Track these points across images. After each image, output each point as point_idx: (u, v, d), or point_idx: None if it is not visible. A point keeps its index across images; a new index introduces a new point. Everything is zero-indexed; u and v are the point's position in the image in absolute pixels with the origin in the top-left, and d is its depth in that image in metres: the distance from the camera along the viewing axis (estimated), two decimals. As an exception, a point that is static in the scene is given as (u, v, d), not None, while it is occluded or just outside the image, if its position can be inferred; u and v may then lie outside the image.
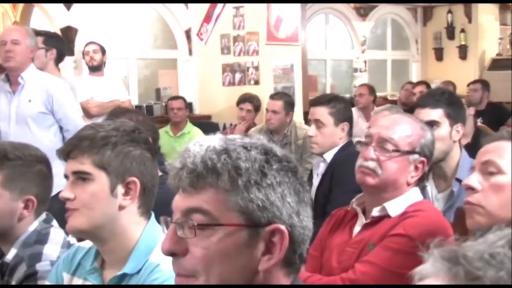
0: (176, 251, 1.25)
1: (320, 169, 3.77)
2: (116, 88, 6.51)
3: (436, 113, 3.00)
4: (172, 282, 1.65)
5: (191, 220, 1.23)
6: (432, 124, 2.89)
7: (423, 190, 2.58)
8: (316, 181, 3.77)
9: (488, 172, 1.97)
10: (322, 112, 3.76)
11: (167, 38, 8.11)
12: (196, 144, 1.27)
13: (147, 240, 1.81)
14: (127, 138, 1.83)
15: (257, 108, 6.54)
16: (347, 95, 9.63)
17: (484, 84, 7.94)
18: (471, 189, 1.99)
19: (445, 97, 3.07)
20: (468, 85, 7.98)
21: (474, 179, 1.98)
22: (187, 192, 1.25)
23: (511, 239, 0.75)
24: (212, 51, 7.60)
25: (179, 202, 1.27)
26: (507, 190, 1.92)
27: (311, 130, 3.77)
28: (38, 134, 4.23)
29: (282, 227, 1.23)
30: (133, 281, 1.77)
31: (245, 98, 6.55)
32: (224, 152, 1.23)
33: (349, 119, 3.83)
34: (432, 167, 3.03)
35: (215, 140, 1.27)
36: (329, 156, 3.70)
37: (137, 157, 1.83)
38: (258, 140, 1.31)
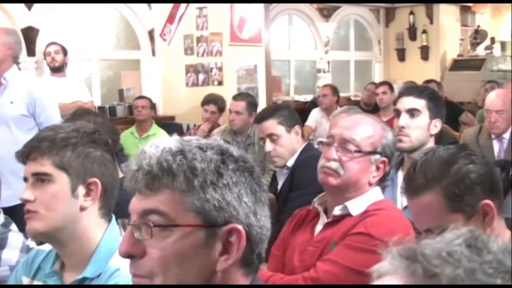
0: (133, 253, 1.25)
1: (282, 176, 3.77)
2: (78, 89, 6.45)
3: (419, 103, 3.08)
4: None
5: (148, 222, 1.23)
6: (413, 112, 3.05)
7: (385, 190, 2.60)
8: (279, 186, 3.77)
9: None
10: (271, 125, 3.68)
11: (130, 38, 8.05)
12: (152, 146, 1.27)
13: (107, 244, 1.80)
14: (88, 140, 1.82)
15: (221, 109, 6.53)
16: (311, 96, 9.70)
17: (438, 83, 8.09)
18: None
19: (429, 92, 3.20)
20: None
21: None
22: (144, 194, 1.25)
23: (468, 238, 0.76)
24: (176, 51, 7.56)
25: (136, 204, 1.26)
26: None
27: (268, 146, 3.68)
28: (19, 136, 4.09)
29: (239, 226, 1.24)
30: (93, 285, 1.75)
31: (210, 99, 6.54)
32: (179, 153, 1.24)
33: (298, 121, 3.79)
34: (404, 160, 3.08)
35: (171, 142, 1.27)
36: (290, 162, 3.70)
37: (98, 158, 1.82)
38: (214, 141, 1.31)
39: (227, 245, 1.25)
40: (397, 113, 3.11)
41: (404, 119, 3.05)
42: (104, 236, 1.82)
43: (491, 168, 1.91)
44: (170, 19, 7.50)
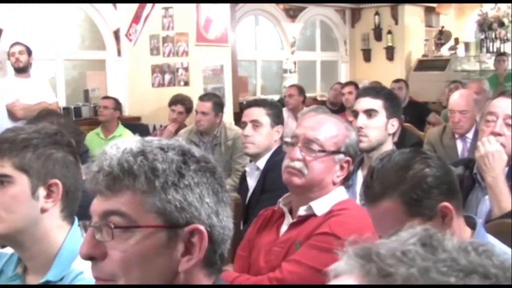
0: (94, 255, 1.24)
1: (254, 177, 3.77)
2: (43, 90, 6.38)
3: (376, 103, 3.12)
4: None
5: (109, 223, 1.22)
6: (370, 112, 3.09)
7: (349, 189, 2.62)
8: (251, 188, 3.76)
9: None
10: (259, 113, 3.76)
11: (95, 38, 7.99)
12: (113, 146, 1.25)
13: (70, 246, 1.77)
14: (49, 141, 1.80)
15: (188, 109, 6.51)
16: (277, 96, 9.71)
17: (405, 82, 8.16)
18: None
19: (386, 92, 3.26)
20: (391, 84, 8.14)
21: None
22: (104, 195, 1.24)
23: (423, 237, 0.76)
24: (141, 52, 7.53)
25: (97, 205, 1.25)
26: None
27: (248, 130, 3.74)
28: None
29: (201, 227, 1.23)
30: (56, 289, 1.74)
31: (177, 100, 6.51)
32: (140, 154, 1.23)
33: (283, 124, 3.86)
34: (363, 159, 3.11)
35: (132, 142, 1.26)
36: (262, 163, 3.71)
37: (60, 159, 1.80)
38: (175, 141, 1.30)
39: (189, 246, 1.24)
40: (355, 114, 3.15)
41: (362, 119, 3.09)
42: (66, 239, 1.80)
43: (447, 169, 1.93)
44: (136, 19, 7.46)
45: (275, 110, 3.83)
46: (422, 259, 0.72)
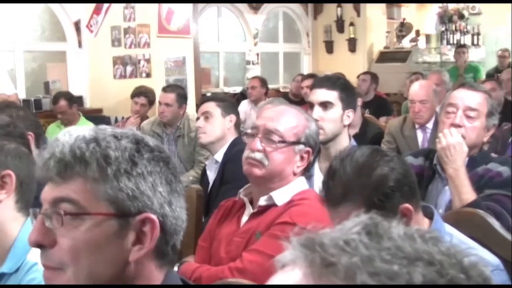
0: (43, 243, 1.22)
1: (213, 170, 3.78)
2: (1, 82, 6.27)
3: (332, 95, 3.10)
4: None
5: (59, 210, 1.20)
6: (326, 104, 3.07)
7: (309, 180, 2.63)
8: (211, 181, 3.77)
9: None
10: (210, 105, 3.86)
11: (56, 30, 7.87)
12: (66, 134, 1.24)
13: (25, 238, 1.74)
14: (1, 132, 1.78)
15: (151, 102, 6.46)
16: (240, 88, 9.71)
17: (373, 76, 8.18)
18: None
19: (341, 82, 3.21)
20: (358, 76, 8.19)
21: None
22: (55, 182, 1.22)
23: (368, 225, 0.76)
24: (103, 43, 7.45)
25: (47, 193, 1.23)
26: None
27: (200, 122, 3.84)
28: None
29: (153, 216, 1.22)
30: (11, 281, 1.72)
31: (140, 92, 6.46)
32: (93, 141, 1.21)
33: (236, 113, 3.91)
34: (320, 151, 3.12)
35: (86, 130, 1.25)
36: (219, 156, 3.73)
37: (12, 151, 1.79)
38: (129, 130, 1.30)
39: (140, 235, 1.23)
40: (311, 105, 3.13)
41: (317, 112, 3.06)
42: (21, 230, 1.78)
43: (407, 169, 1.95)
44: (97, 10, 7.37)
45: (226, 102, 3.95)
46: (366, 247, 0.72)
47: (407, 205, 1.86)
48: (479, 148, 2.80)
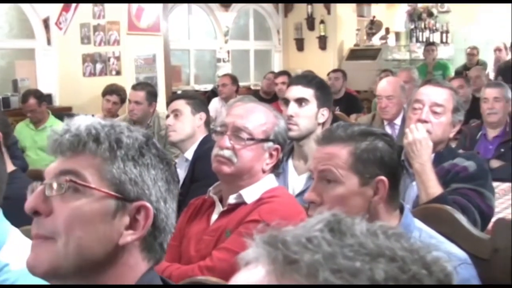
0: (40, 209, 1.25)
1: (183, 168, 3.77)
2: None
3: (308, 92, 3.14)
4: (22, 282, 1.60)
5: (64, 179, 1.25)
6: (301, 101, 3.12)
7: (279, 177, 2.64)
8: (181, 179, 3.77)
9: (326, 179, 1.94)
10: (179, 103, 3.84)
11: (24, 27, 7.80)
12: (83, 116, 1.32)
13: None
14: None
15: (123, 100, 6.44)
16: (211, 85, 9.69)
17: (343, 73, 8.23)
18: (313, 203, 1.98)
19: (317, 81, 3.26)
20: (328, 74, 8.21)
21: (312, 193, 1.96)
22: (65, 156, 1.28)
23: (330, 222, 0.76)
24: (72, 41, 7.40)
25: (54, 167, 1.29)
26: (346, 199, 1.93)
27: (169, 120, 3.83)
28: None
29: (149, 205, 1.27)
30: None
31: (112, 90, 6.43)
32: (109, 126, 1.29)
33: (206, 111, 3.91)
34: (294, 148, 3.14)
35: (103, 120, 1.33)
36: (190, 154, 3.73)
37: None
38: (142, 129, 1.37)
39: (133, 221, 1.27)
40: (286, 102, 3.17)
41: (292, 108, 3.11)
42: None
43: (398, 158, 2.00)
44: (66, 7, 7.33)
45: (196, 100, 3.94)
46: (328, 244, 0.72)
47: (383, 178, 1.89)
48: (445, 144, 2.84)
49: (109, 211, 1.25)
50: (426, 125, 2.72)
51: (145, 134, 1.33)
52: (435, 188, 2.59)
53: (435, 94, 2.79)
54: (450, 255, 1.82)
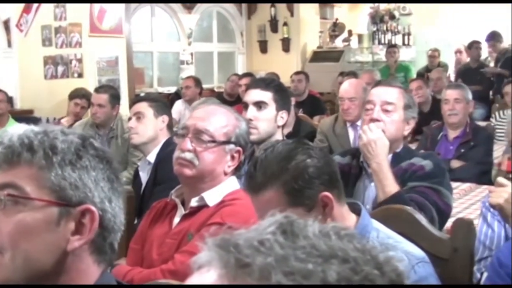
0: None
1: (146, 171, 3.75)
2: None
3: (266, 95, 3.15)
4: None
5: (2, 194, 1.23)
6: (260, 104, 3.12)
7: (241, 179, 2.65)
8: (144, 182, 3.74)
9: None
10: (142, 105, 3.83)
11: (-17, 29, 7.69)
12: (16, 127, 1.29)
13: None
14: None
15: (90, 104, 6.37)
16: (174, 88, 9.66)
17: (306, 75, 8.25)
18: None
19: (275, 84, 3.27)
20: (291, 76, 8.23)
21: None
22: (2, 169, 1.25)
23: (283, 224, 0.76)
24: (33, 43, 7.31)
25: None
26: None
27: (132, 122, 3.81)
28: None
29: (93, 208, 1.26)
30: None
31: (82, 94, 6.32)
32: (42, 133, 1.27)
33: (168, 114, 3.90)
34: (255, 151, 3.14)
35: (36, 127, 1.30)
36: (152, 157, 3.71)
37: None
38: (77, 131, 1.35)
39: (79, 226, 1.26)
40: (245, 105, 3.17)
41: (251, 111, 3.11)
42: None
43: (329, 159, 1.98)
44: (27, 9, 7.25)
45: (159, 102, 3.93)
46: (281, 247, 0.72)
47: (327, 193, 1.89)
48: (402, 143, 2.87)
49: (53, 219, 1.24)
50: (379, 124, 2.76)
51: (81, 135, 1.31)
52: (391, 187, 2.62)
53: (385, 94, 2.83)
54: (407, 254, 1.87)
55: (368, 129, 2.73)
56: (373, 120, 2.77)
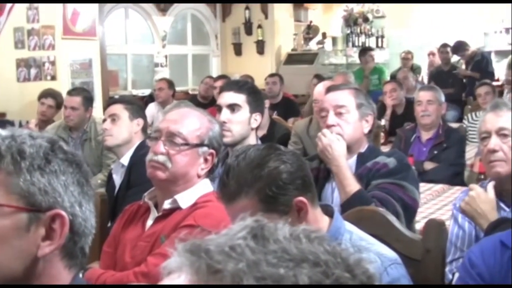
0: None
1: (119, 174, 3.73)
2: None
3: (239, 98, 3.14)
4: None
5: None
6: (233, 107, 3.12)
7: (214, 182, 2.64)
8: (117, 185, 3.72)
9: None
10: (117, 107, 3.81)
11: (-45, 31, 7.61)
12: None
13: None
14: None
15: (59, 105, 6.30)
16: (149, 90, 9.63)
17: (281, 77, 8.26)
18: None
19: (248, 86, 3.27)
20: (266, 78, 8.24)
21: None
22: None
23: (254, 228, 0.76)
24: (5, 45, 7.23)
25: None
26: None
27: (106, 124, 3.78)
28: None
29: (63, 213, 1.24)
30: None
31: (48, 93, 6.28)
32: (9, 137, 1.25)
33: (143, 117, 3.89)
34: (228, 154, 3.14)
35: (3, 131, 1.28)
36: (126, 160, 3.69)
37: None
38: (46, 134, 1.33)
39: (49, 231, 1.24)
40: (219, 108, 3.17)
41: (225, 114, 3.11)
42: None
43: (301, 163, 1.98)
44: (-1, 11, 7.17)
45: (134, 105, 3.91)
46: (252, 252, 0.72)
47: (301, 198, 1.89)
48: (366, 143, 2.89)
49: (22, 225, 1.22)
50: (335, 129, 2.79)
51: (50, 139, 1.29)
52: (352, 186, 2.65)
53: (335, 98, 2.86)
54: (380, 256, 1.88)
55: (322, 135, 2.76)
56: (328, 126, 2.80)
